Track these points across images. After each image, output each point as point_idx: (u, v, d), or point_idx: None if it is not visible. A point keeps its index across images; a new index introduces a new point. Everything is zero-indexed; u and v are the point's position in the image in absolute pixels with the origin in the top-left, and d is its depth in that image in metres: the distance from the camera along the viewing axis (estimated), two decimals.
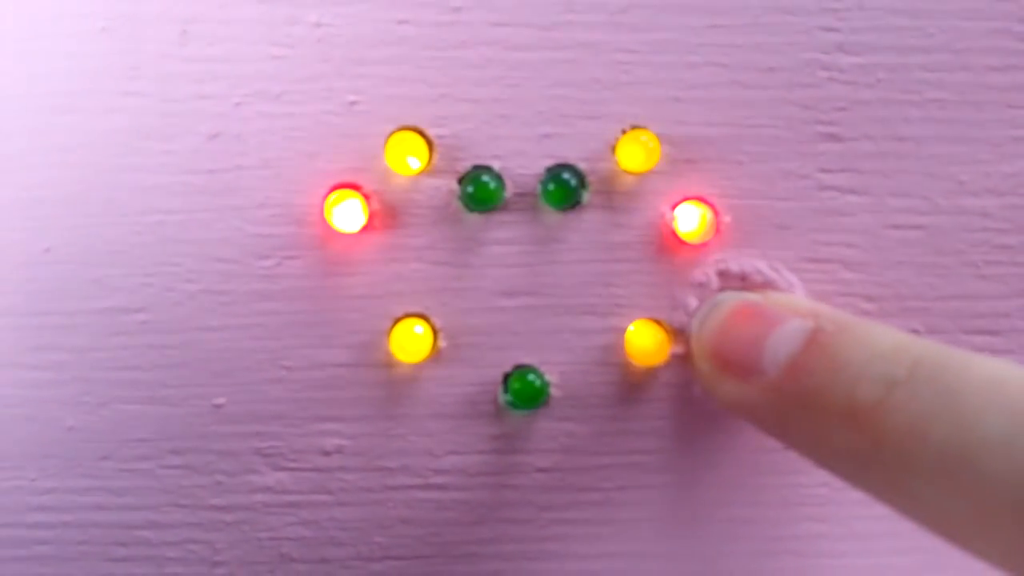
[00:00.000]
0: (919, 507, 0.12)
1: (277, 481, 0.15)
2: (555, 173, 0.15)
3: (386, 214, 0.15)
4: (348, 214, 0.15)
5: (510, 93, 0.15)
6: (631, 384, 0.15)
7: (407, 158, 0.15)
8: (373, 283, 0.15)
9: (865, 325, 0.13)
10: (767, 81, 0.15)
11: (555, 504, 0.15)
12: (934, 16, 0.15)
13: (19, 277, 0.15)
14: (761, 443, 0.15)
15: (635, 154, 0.15)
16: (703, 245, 0.15)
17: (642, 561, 0.15)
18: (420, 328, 0.15)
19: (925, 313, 0.15)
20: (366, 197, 0.15)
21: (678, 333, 0.15)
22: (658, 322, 0.15)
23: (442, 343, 0.15)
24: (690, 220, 0.15)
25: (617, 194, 0.15)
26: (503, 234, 0.15)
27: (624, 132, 0.15)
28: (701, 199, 0.15)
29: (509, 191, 0.15)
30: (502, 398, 0.15)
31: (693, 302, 0.15)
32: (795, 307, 0.14)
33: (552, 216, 0.15)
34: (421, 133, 0.15)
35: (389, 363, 0.15)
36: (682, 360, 0.15)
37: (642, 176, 0.15)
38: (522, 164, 0.15)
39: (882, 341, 0.12)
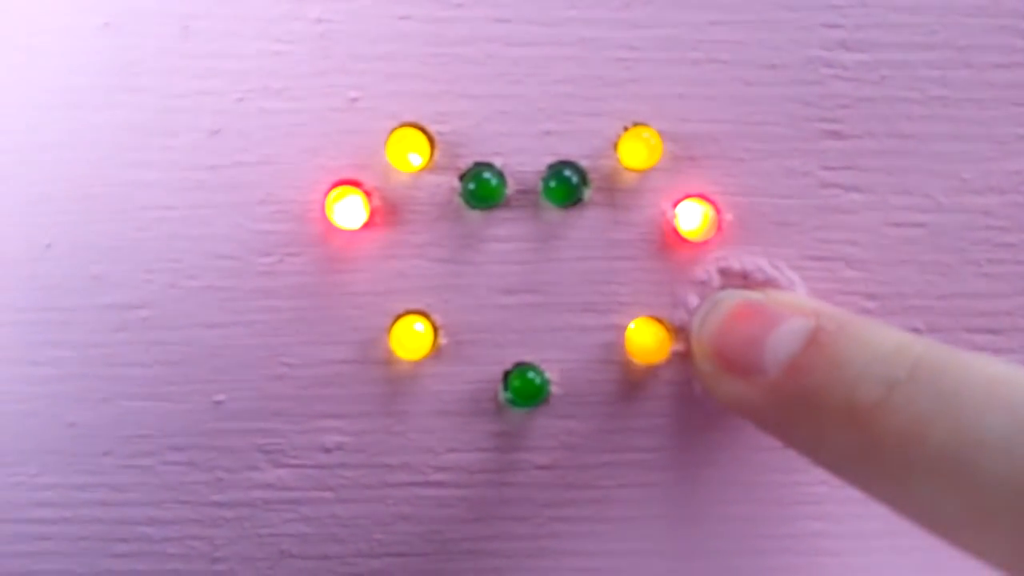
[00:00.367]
0: (918, 507, 0.12)
1: (278, 478, 0.15)
2: (556, 170, 0.15)
3: (387, 211, 0.15)
4: (349, 211, 0.15)
5: (511, 90, 0.15)
6: (631, 382, 0.15)
7: (408, 155, 0.15)
8: (374, 280, 0.15)
9: (866, 324, 0.13)
10: (769, 78, 0.15)
11: (555, 501, 0.15)
12: (937, 12, 0.15)
13: (20, 274, 0.15)
14: (760, 441, 0.15)
15: (637, 151, 0.15)
16: (704, 243, 0.15)
17: (642, 558, 0.16)
18: (420, 325, 0.15)
19: (927, 311, 0.15)
20: (367, 194, 0.15)
21: (679, 331, 0.15)
22: (659, 320, 0.15)
23: (443, 340, 0.15)
24: (692, 218, 0.15)
25: (619, 191, 0.15)
26: (504, 231, 0.15)
27: (626, 129, 0.15)
28: (703, 196, 0.15)
29: (510, 188, 0.15)
30: (502, 396, 0.15)
31: (694, 300, 0.15)
32: (796, 306, 0.14)
33: (553, 213, 0.15)
34: (422, 129, 0.15)
35: (390, 360, 0.15)
36: (683, 358, 0.15)
37: (644, 173, 0.15)
38: (524, 161, 0.15)
39: (883, 341, 0.12)
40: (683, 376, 0.15)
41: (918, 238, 0.15)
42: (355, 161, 0.15)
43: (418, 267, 0.15)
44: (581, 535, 0.15)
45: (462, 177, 0.15)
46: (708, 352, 0.14)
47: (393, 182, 0.15)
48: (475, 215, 0.15)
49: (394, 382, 0.15)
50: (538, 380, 0.15)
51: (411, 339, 0.15)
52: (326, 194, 0.15)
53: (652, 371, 0.15)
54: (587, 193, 0.15)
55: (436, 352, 0.15)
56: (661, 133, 0.15)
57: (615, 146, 0.15)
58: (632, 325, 0.15)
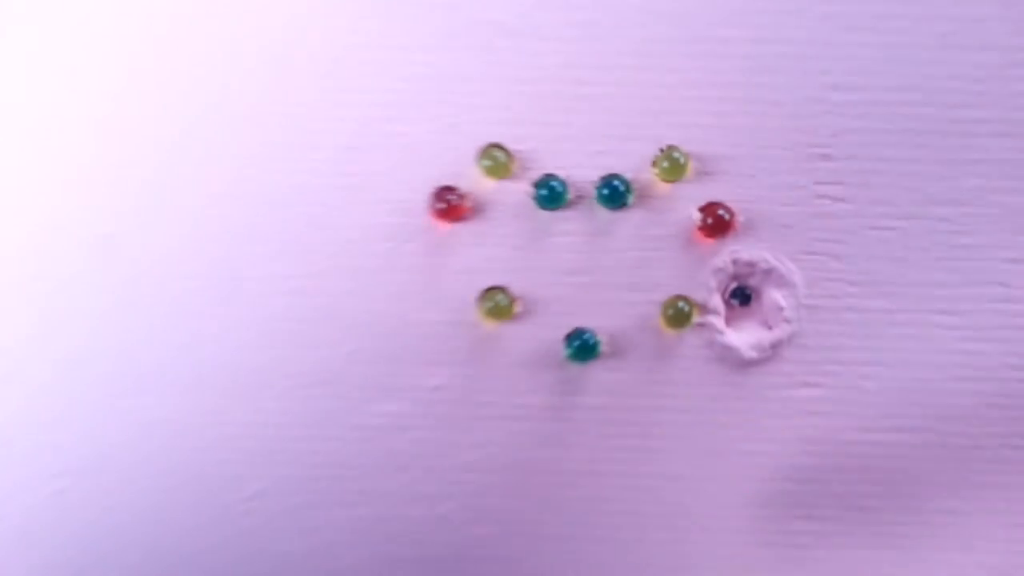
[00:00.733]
0: None
1: (397, 407, 0.19)
2: (607, 181, 0.19)
3: (477, 210, 0.19)
4: (448, 209, 0.19)
5: (574, 119, 0.19)
6: (664, 345, 0.19)
7: (493, 167, 0.19)
8: (466, 262, 0.19)
9: None
10: (775, 112, 0.19)
11: (604, 433, 0.19)
12: (907, 63, 0.19)
13: (215, 255, 0.19)
14: (769, 383, 0.19)
15: (670, 167, 0.19)
16: (722, 239, 0.19)
17: (671, 481, 0.20)
18: (502, 297, 0.19)
19: (898, 296, 0.19)
20: (461, 196, 0.19)
21: (701, 306, 0.19)
22: (686, 298, 0.19)
23: (519, 309, 0.19)
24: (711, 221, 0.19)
25: (655, 199, 0.19)
26: (566, 227, 0.19)
27: (661, 151, 0.19)
28: (721, 204, 0.19)
29: (571, 194, 0.19)
30: (564, 353, 0.19)
31: (713, 282, 0.19)
32: None
33: (604, 214, 0.19)
34: (503, 148, 0.19)
35: (477, 323, 0.19)
36: (703, 327, 0.19)
37: (675, 185, 0.19)
38: (582, 173, 0.19)
39: None
40: (705, 340, 0.19)
41: (891, 239, 0.19)
42: (454, 171, 0.19)
43: (500, 253, 0.19)
44: (624, 460, 0.20)
45: (535, 185, 0.19)
46: None
47: (483, 188, 0.19)
48: (544, 215, 0.19)
49: (481, 340, 0.19)
50: (592, 341, 0.19)
51: (494, 308, 0.19)
52: (431, 196, 0.19)
53: (680, 337, 0.19)
54: (631, 199, 0.19)
55: (514, 318, 0.19)
56: (689, 154, 0.19)
57: (653, 163, 0.19)
58: (665, 301, 0.19)
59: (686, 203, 0.19)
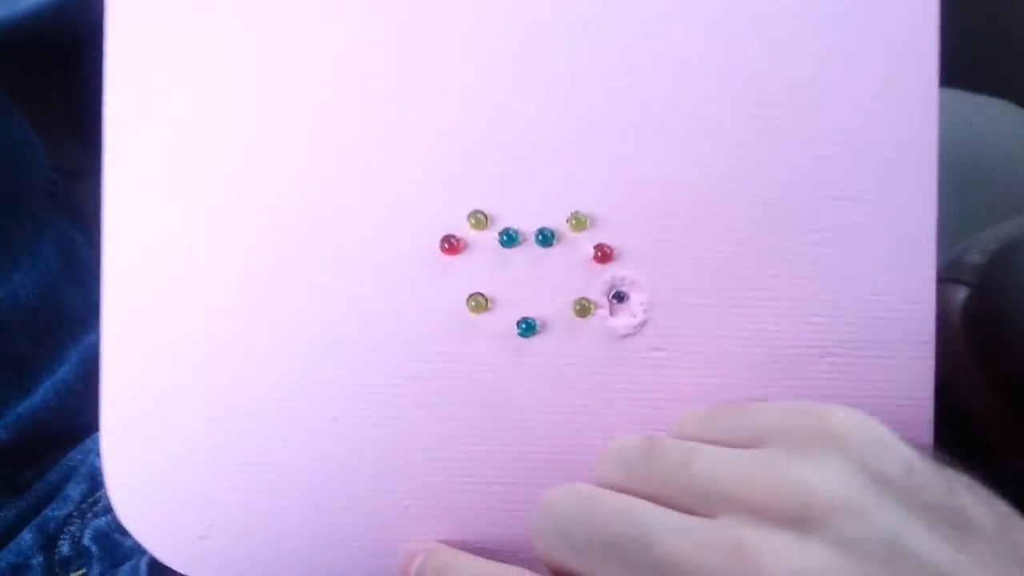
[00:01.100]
0: None
1: (420, 366, 0.32)
2: (541, 230, 0.31)
3: (466, 247, 0.33)
4: (450, 247, 0.32)
5: (520, 190, 0.33)
6: (575, 326, 0.33)
7: (476, 223, 0.32)
8: (460, 279, 0.32)
9: None
10: (636, 186, 0.33)
11: (538, 379, 0.33)
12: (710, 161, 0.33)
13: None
14: (634, 348, 0.32)
15: (577, 223, 0.31)
16: (606, 264, 0.32)
17: (582, 414, 0.31)
18: (480, 299, 0.32)
19: (709, 295, 0.32)
20: (457, 240, 0.32)
21: (596, 303, 0.33)
22: (587, 298, 0.32)
23: (490, 306, 0.33)
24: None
25: (568, 240, 0.32)
26: (519, 258, 0.32)
27: (571, 213, 0.32)
28: (605, 244, 0.32)
29: (521, 238, 0.31)
30: (517, 331, 0.32)
31: (602, 289, 0.33)
32: None
33: (539, 250, 0.32)
34: (482, 212, 0.32)
35: (465, 313, 0.32)
36: (597, 316, 0.33)
37: (579, 232, 0.32)
38: (526, 226, 0.32)
39: None
40: (598, 324, 0.33)
41: (705, 263, 0.33)
42: (453, 227, 0.32)
43: (481, 273, 0.31)
44: (552, 390, 0.33)
45: (500, 233, 0.30)
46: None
47: (470, 234, 0.32)
48: (505, 251, 0.31)
49: (467, 324, 0.31)
50: (533, 324, 0.32)
51: (475, 305, 0.32)
52: (440, 239, 0.32)
53: (585, 321, 0.33)
54: (554, 241, 0.31)
55: (487, 311, 0.32)
56: (587, 214, 0.32)
57: (566, 220, 0.30)
58: (575, 300, 0.33)
59: (586, 243, 0.31)
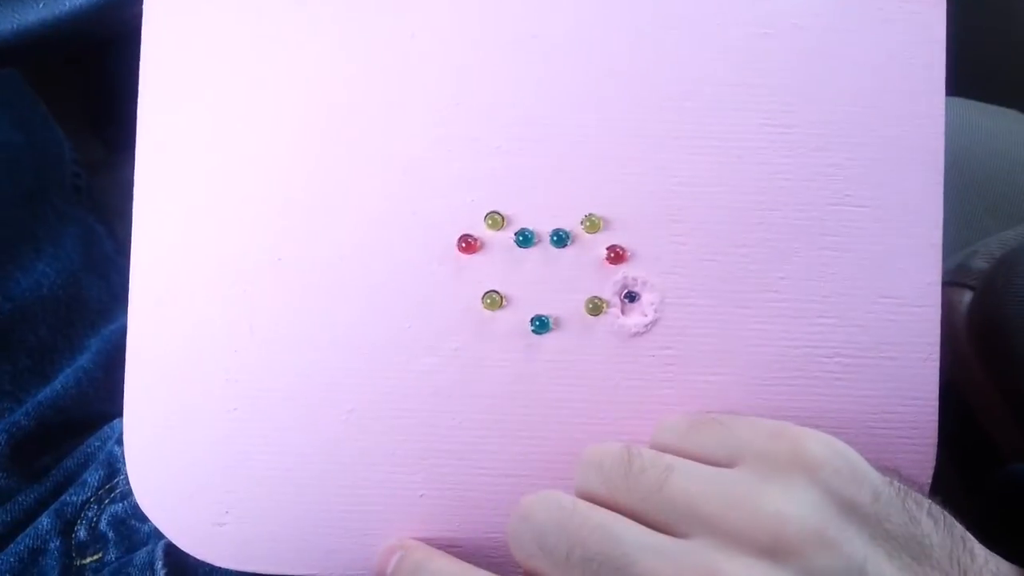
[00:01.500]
0: None
1: (434, 360, 0.33)
2: (556, 231, 0.32)
3: (483, 247, 0.33)
4: (467, 246, 0.33)
5: (538, 192, 0.33)
6: (587, 324, 0.33)
7: (492, 223, 0.33)
8: (476, 276, 0.33)
9: None
10: (649, 191, 0.33)
11: (552, 375, 0.33)
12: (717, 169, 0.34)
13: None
14: (645, 346, 0.33)
15: (591, 224, 0.32)
16: (619, 265, 0.33)
17: (594, 404, 0.32)
18: (496, 296, 0.33)
19: (715, 297, 0.33)
20: (474, 239, 0.33)
21: (608, 302, 0.33)
22: (599, 297, 0.33)
23: (505, 303, 0.33)
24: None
25: (582, 241, 0.33)
26: (533, 258, 0.33)
27: (586, 215, 0.33)
28: (618, 246, 0.33)
29: (536, 239, 0.32)
30: (530, 328, 0.33)
31: (614, 289, 0.33)
32: None
33: (554, 251, 0.33)
34: (499, 212, 0.33)
35: (481, 310, 0.33)
36: (610, 315, 0.33)
37: (593, 235, 0.33)
38: (542, 226, 0.33)
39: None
40: (610, 322, 0.34)
41: (712, 265, 0.33)
42: (470, 226, 0.33)
43: (496, 271, 0.32)
44: (567, 382, 0.33)
45: (516, 233, 0.31)
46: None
47: (486, 234, 0.33)
48: (520, 250, 0.32)
49: (483, 320, 0.32)
50: (546, 321, 0.33)
51: (491, 302, 0.33)
52: (458, 239, 0.32)
53: (596, 320, 0.33)
54: (569, 242, 0.33)
55: (502, 307, 0.33)
56: (601, 216, 0.33)
57: (580, 222, 0.31)
58: (587, 299, 0.33)
59: (599, 244, 0.32)
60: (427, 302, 0.32)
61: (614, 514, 0.25)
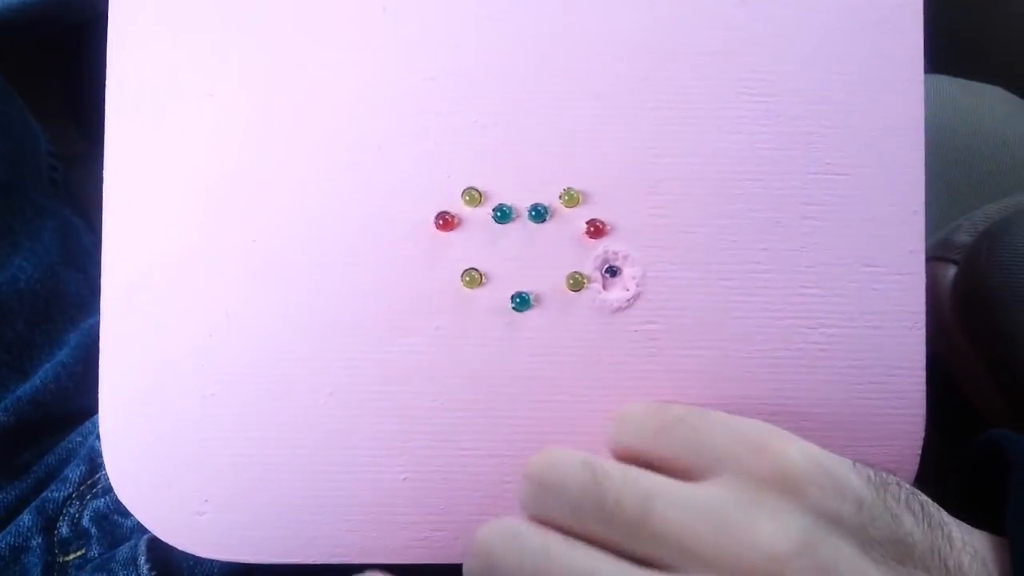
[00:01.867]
0: None
1: (414, 339, 0.33)
2: (534, 206, 0.32)
3: (460, 223, 0.33)
4: (444, 223, 0.33)
5: (515, 167, 0.33)
6: (568, 300, 0.33)
7: (470, 199, 0.33)
8: (455, 254, 0.33)
9: None
10: (628, 164, 0.33)
11: (533, 352, 0.33)
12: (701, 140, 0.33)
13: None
14: (627, 321, 0.33)
15: (569, 198, 0.32)
16: (599, 239, 0.33)
17: (578, 379, 0.32)
18: (475, 274, 0.33)
19: (697, 269, 0.33)
20: (452, 216, 0.33)
21: (589, 277, 0.33)
22: (580, 272, 0.33)
23: (484, 280, 0.33)
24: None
25: (561, 216, 0.33)
26: (512, 234, 0.33)
27: (564, 189, 0.33)
28: (598, 220, 0.33)
29: (514, 214, 0.32)
30: (511, 305, 0.33)
31: (595, 263, 0.33)
32: None
33: (532, 226, 0.33)
34: (476, 188, 0.33)
35: (460, 288, 0.33)
36: (591, 290, 0.33)
37: (572, 208, 0.32)
38: (520, 201, 0.33)
39: None
40: (591, 297, 0.33)
41: (693, 238, 0.33)
42: (447, 203, 0.33)
43: (474, 248, 0.33)
44: (545, 359, 0.33)
45: (493, 209, 0.32)
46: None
47: (464, 211, 0.33)
48: (498, 227, 0.32)
49: (463, 298, 0.32)
50: (527, 298, 0.33)
51: (470, 280, 0.33)
52: (435, 216, 0.32)
53: (577, 295, 0.33)
54: (548, 217, 0.33)
55: (481, 285, 0.32)
56: (580, 190, 0.33)
57: (559, 196, 0.31)
58: (568, 274, 0.33)
59: (579, 218, 0.31)
60: (405, 281, 0.31)
61: (592, 553, 0.23)
